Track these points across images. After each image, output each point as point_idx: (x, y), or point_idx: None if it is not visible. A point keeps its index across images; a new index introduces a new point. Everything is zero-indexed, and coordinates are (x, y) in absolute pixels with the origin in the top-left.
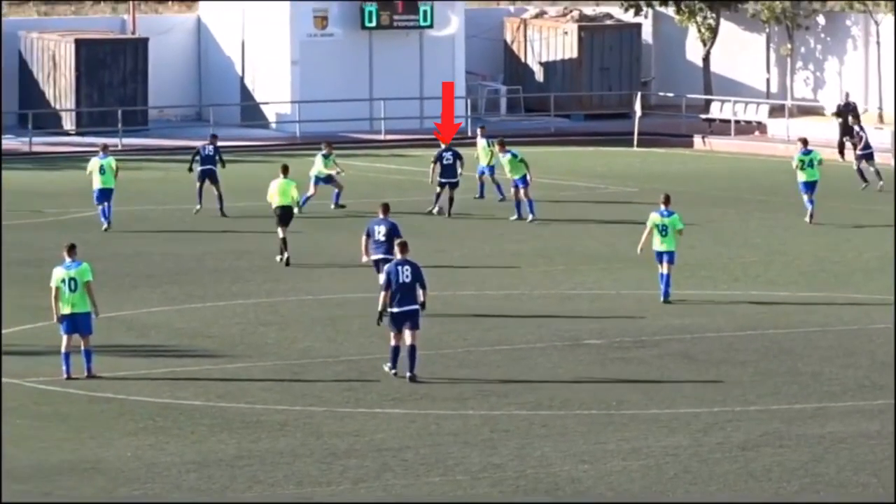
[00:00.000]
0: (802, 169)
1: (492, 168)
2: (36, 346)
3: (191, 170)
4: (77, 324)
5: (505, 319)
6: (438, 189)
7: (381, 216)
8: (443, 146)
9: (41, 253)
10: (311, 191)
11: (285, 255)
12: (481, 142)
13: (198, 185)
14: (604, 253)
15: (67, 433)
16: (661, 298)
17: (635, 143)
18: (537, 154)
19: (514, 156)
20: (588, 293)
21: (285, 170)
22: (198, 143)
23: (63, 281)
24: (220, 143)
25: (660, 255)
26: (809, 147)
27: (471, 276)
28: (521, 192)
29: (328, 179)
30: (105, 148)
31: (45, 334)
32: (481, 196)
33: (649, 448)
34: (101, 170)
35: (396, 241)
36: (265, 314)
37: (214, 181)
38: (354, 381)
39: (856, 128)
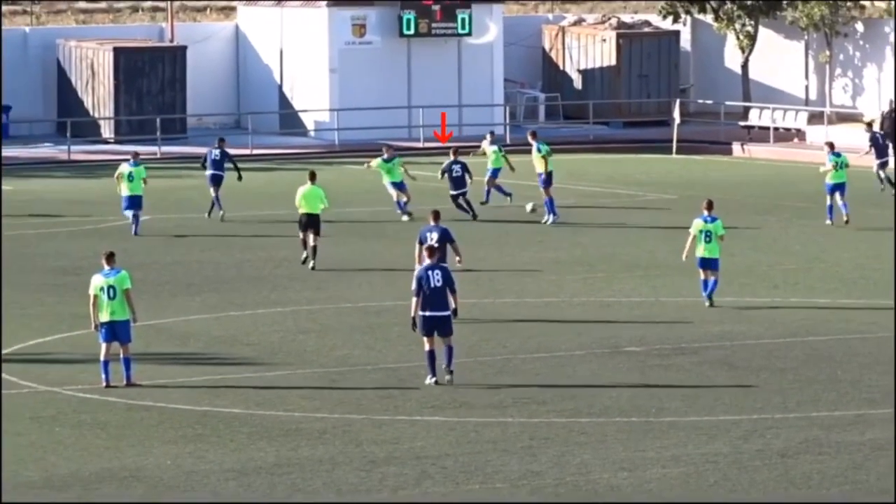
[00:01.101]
0: (837, 170)
1: (495, 171)
2: (75, 354)
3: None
4: (116, 332)
5: (544, 327)
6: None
7: (432, 223)
8: (451, 158)
9: (79, 261)
10: (397, 196)
11: (311, 262)
12: (490, 147)
13: (210, 190)
14: (643, 260)
15: (107, 441)
16: (706, 303)
17: (674, 150)
18: (576, 161)
19: (539, 150)
20: (627, 300)
21: (313, 176)
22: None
23: (102, 289)
24: (258, 152)
25: (704, 261)
26: (837, 150)
27: (510, 284)
28: (545, 190)
29: (400, 185)
30: (136, 156)
31: (85, 342)
32: (486, 201)
33: (689, 455)
34: (130, 177)
35: (424, 247)
36: (304, 322)
37: (218, 185)
38: (393, 388)
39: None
